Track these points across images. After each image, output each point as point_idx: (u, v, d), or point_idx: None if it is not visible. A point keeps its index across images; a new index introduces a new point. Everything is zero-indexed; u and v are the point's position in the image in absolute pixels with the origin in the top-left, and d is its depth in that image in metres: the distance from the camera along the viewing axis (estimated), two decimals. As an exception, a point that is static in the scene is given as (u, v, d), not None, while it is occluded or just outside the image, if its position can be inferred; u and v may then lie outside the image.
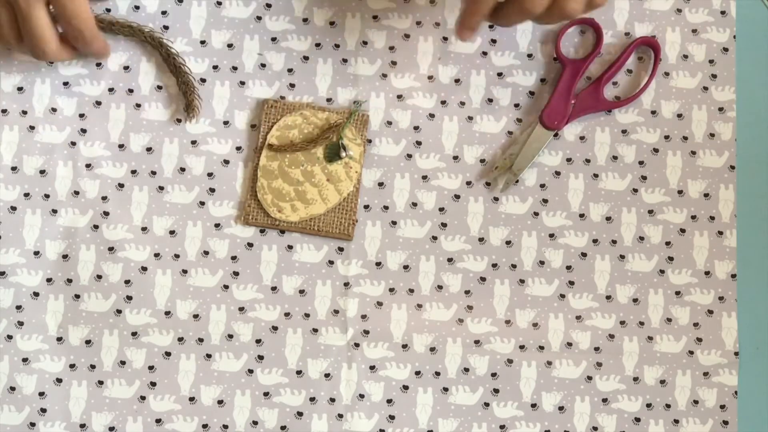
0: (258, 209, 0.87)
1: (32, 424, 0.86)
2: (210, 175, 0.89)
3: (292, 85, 0.91)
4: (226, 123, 0.90)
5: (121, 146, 0.89)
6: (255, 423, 0.87)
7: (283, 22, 0.92)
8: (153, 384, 0.87)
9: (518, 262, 0.89)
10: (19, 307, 0.87)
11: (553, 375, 0.88)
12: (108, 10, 0.90)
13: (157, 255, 0.88)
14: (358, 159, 0.88)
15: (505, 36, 0.92)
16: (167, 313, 0.87)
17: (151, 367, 0.87)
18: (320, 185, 0.87)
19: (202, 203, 0.89)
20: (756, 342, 0.90)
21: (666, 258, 0.90)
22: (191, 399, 0.87)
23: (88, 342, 0.87)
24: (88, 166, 0.89)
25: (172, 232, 0.88)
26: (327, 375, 0.87)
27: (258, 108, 0.90)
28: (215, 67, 0.91)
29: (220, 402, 0.87)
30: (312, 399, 0.87)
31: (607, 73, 0.91)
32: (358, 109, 0.89)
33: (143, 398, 0.86)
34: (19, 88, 0.89)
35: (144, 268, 0.88)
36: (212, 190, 0.89)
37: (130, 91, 0.90)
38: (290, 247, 0.88)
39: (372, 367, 0.88)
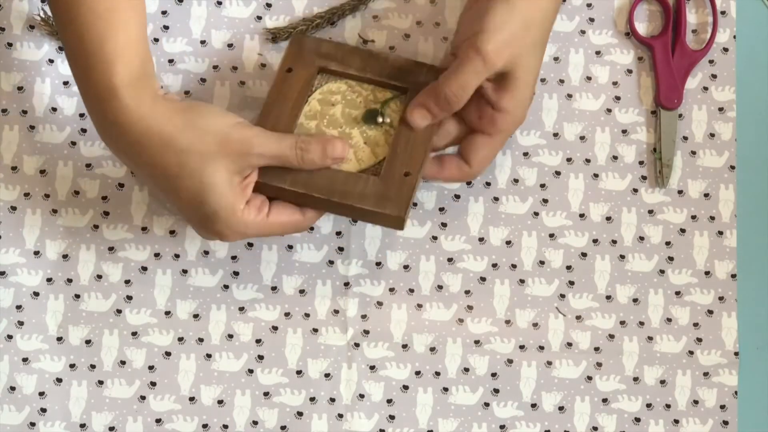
0: None
1: (32, 424, 0.86)
2: (210, 175, 0.89)
3: (292, 85, 0.90)
4: (226, 123, 0.90)
5: (121, 146, 0.89)
6: (255, 423, 0.87)
7: (283, 22, 0.92)
8: (153, 384, 0.87)
9: (518, 262, 0.89)
10: (19, 307, 0.87)
11: (553, 375, 0.88)
12: None
13: (157, 255, 0.88)
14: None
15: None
16: (167, 313, 0.87)
17: (151, 367, 0.87)
18: (356, 146, 0.83)
19: (202, 203, 0.89)
20: (756, 342, 0.90)
21: (666, 258, 0.90)
22: (191, 399, 0.87)
23: (88, 342, 0.87)
24: (88, 166, 0.89)
25: (172, 232, 0.88)
26: (327, 375, 0.87)
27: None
28: (215, 67, 0.91)
29: (220, 402, 0.87)
30: (312, 399, 0.87)
31: (677, 30, 0.92)
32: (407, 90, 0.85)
33: (143, 398, 0.86)
34: (19, 88, 0.89)
35: (144, 268, 0.88)
36: (212, 190, 0.89)
37: (130, 90, 0.90)
38: (290, 247, 0.88)
39: (372, 367, 0.88)
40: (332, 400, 0.87)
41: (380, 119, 0.83)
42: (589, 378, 0.88)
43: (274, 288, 0.88)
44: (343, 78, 0.85)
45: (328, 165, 0.79)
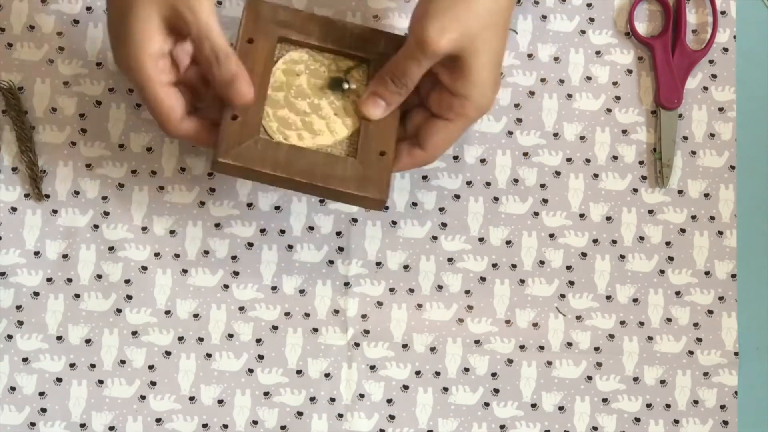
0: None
1: (32, 424, 0.86)
2: (210, 174, 0.89)
3: (292, 85, 0.90)
4: (226, 123, 0.90)
5: (121, 146, 0.89)
6: (255, 423, 0.87)
7: (283, 22, 0.92)
8: (153, 383, 0.87)
9: (518, 262, 0.89)
10: (19, 307, 0.87)
11: (553, 375, 0.88)
12: None
13: (157, 255, 0.88)
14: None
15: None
16: (167, 312, 0.87)
17: (151, 367, 0.87)
18: (327, 118, 0.82)
19: (202, 203, 0.89)
20: (756, 342, 0.90)
21: (666, 258, 0.90)
22: (191, 398, 0.87)
23: (88, 341, 0.87)
24: (88, 166, 0.89)
25: (172, 232, 0.88)
26: (327, 375, 0.87)
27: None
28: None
29: (220, 402, 0.87)
30: (312, 399, 0.87)
31: (677, 30, 0.93)
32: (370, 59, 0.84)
33: (143, 398, 0.86)
34: (20, 88, 0.89)
35: (144, 268, 0.88)
36: (212, 190, 0.89)
37: (130, 90, 0.90)
38: (290, 246, 0.89)
39: (372, 367, 0.88)
40: (332, 399, 0.87)
41: (346, 86, 0.82)
42: (589, 378, 0.88)
43: (274, 288, 0.88)
44: (304, 47, 0.84)
45: (226, 96, 0.78)
